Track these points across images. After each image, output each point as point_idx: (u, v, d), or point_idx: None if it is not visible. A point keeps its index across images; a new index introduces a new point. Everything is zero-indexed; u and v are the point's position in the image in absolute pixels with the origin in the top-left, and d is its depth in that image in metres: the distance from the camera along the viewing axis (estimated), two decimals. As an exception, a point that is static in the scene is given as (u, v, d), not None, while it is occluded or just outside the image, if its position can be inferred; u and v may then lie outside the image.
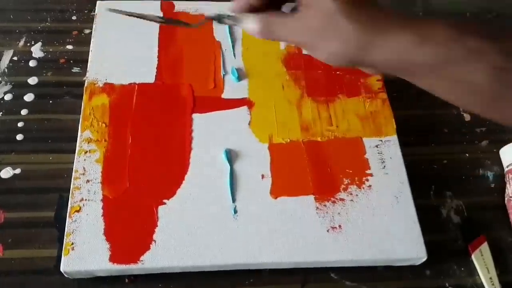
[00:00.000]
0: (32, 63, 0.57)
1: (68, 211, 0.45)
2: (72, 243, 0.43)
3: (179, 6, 0.60)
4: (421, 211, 0.48)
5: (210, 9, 0.59)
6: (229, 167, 0.48)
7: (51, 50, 0.58)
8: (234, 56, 0.56)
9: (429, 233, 0.47)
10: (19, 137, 0.52)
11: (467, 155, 0.55)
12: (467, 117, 0.58)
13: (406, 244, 0.46)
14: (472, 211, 0.51)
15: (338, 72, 0.56)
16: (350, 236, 0.46)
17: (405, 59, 0.35)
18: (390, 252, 0.45)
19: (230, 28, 0.58)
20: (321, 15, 0.36)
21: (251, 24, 0.40)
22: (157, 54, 0.55)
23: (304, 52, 0.57)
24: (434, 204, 0.52)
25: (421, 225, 0.47)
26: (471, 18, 0.67)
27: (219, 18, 0.42)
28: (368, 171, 0.50)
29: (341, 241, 0.46)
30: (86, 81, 0.52)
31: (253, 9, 0.40)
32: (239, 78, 0.55)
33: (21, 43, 0.58)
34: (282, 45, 0.57)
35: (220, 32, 0.58)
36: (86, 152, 0.48)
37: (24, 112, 0.53)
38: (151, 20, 0.46)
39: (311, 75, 0.56)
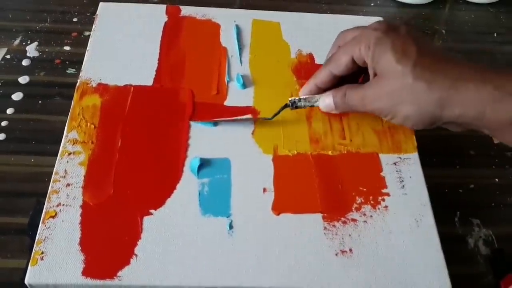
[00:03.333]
0: (25, 62, 0.54)
1: (42, 216, 0.40)
2: (42, 252, 0.38)
3: (185, 11, 0.56)
4: (444, 240, 0.42)
5: (218, 15, 0.56)
6: (229, 177, 0.43)
7: (47, 50, 0.55)
8: (241, 62, 0.52)
9: (453, 265, 0.40)
10: (1, 136, 0.48)
11: (497, 180, 0.50)
12: (495, 139, 0.52)
13: (427, 276, 0.39)
14: (504, 243, 0.45)
15: (353, 84, 0.51)
16: (362, 262, 0.40)
17: (485, 116, 0.35)
18: (408, 284, 0.39)
19: (239, 34, 0.54)
20: (396, 82, 0.38)
21: (327, 101, 0.43)
22: (158, 57, 0.51)
23: (316, 61, 0.53)
24: (460, 232, 0.46)
25: (444, 255, 0.41)
26: None
27: (293, 104, 0.45)
28: (384, 190, 0.44)
29: (351, 267, 0.39)
30: (79, 80, 0.49)
31: (321, 91, 0.44)
32: (245, 85, 0.50)
33: (17, 42, 0.56)
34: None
35: (227, 38, 0.54)
36: (69, 154, 0.43)
37: (10, 111, 0.50)
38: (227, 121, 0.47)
39: (323, 86, 0.51)
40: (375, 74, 0.40)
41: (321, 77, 0.44)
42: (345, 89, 0.42)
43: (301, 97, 0.45)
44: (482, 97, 0.35)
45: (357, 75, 0.44)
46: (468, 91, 0.36)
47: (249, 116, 0.48)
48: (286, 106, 0.45)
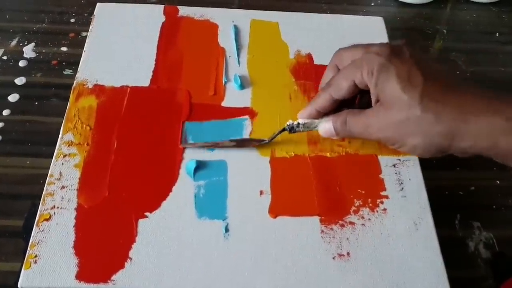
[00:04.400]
0: (22, 63, 0.54)
1: (37, 219, 0.39)
2: (36, 255, 0.37)
3: (183, 11, 0.56)
4: (444, 243, 0.41)
5: (216, 15, 0.55)
6: (226, 180, 0.43)
7: (44, 51, 0.55)
8: (239, 63, 0.52)
9: (453, 268, 0.40)
10: (-3, 138, 0.47)
11: (498, 182, 0.49)
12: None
13: (426, 280, 0.39)
14: (505, 246, 0.45)
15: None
16: (360, 266, 0.39)
17: (497, 147, 0.35)
18: (406, 288, 0.38)
19: (237, 34, 0.54)
20: (403, 112, 0.36)
21: (327, 127, 0.42)
22: (155, 58, 0.51)
23: (315, 62, 0.52)
24: (460, 235, 0.45)
25: (444, 259, 0.40)
26: None
27: (291, 129, 0.43)
28: (383, 193, 0.43)
29: (348, 271, 0.39)
30: (75, 81, 0.48)
31: (321, 115, 0.43)
32: (242, 86, 0.50)
33: (14, 42, 0.55)
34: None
35: (225, 38, 0.54)
36: (65, 156, 0.43)
37: (6, 112, 0.49)
38: (224, 146, 0.45)
39: (322, 87, 0.50)
40: (377, 100, 0.39)
41: (320, 102, 0.42)
42: (346, 115, 0.41)
43: (300, 121, 0.43)
44: (494, 129, 0.34)
45: (355, 96, 0.43)
46: (478, 124, 0.35)
47: (246, 117, 0.47)
48: (283, 130, 0.44)
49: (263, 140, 0.45)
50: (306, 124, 0.43)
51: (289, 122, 0.43)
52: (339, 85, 0.41)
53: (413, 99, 0.36)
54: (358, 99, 0.44)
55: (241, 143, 0.45)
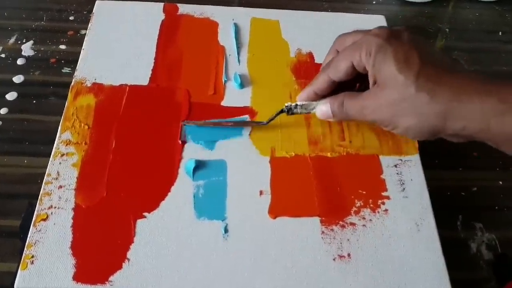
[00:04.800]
0: (20, 61, 0.53)
1: (34, 219, 0.39)
2: (33, 256, 0.37)
3: (183, 9, 0.55)
4: (446, 244, 0.40)
5: (216, 13, 0.55)
6: (225, 179, 0.42)
7: (42, 49, 0.54)
8: (238, 62, 0.51)
9: (455, 270, 0.39)
10: (-6, 137, 0.47)
11: (501, 182, 0.48)
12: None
13: (427, 281, 0.38)
14: (507, 247, 0.44)
15: (353, 84, 0.50)
16: (361, 268, 0.39)
17: (489, 128, 0.34)
18: (408, 290, 0.38)
19: (237, 32, 0.53)
20: (397, 92, 0.36)
21: (324, 109, 0.41)
22: (154, 56, 0.50)
23: (316, 61, 0.52)
24: (462, 236, 0.45)
25: (445, 260, 0.39)
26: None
27: (289, 110, 0.43)
28: (384, 193, 0.43)
29: (349, 272, 0.38)
30: (73, 79, 0.48)
31: (319, 97, 0.42)
32: (242, 85, 0.49)
33: (12, 40, 0.55)
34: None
35: (225, 36, 0.53)
36: (62, 155, 0.42)
37: (3, 111, 0.49)
38: (223, 126, 0.46)
39: (323, 86, 0.50)
40: (375, 82, 0.38)
41: (319, 83, 0.42)
42: (343, 97, 0.40)
43: (298, 103, 0.43)
44: (487, 110, 0.34)
45: (355, 81, 0.42)
46: (472, 104, 0.34)
47: (246, 116, 0.47)
48: (281, 111, 0.43)
49: (261, 122, 0.45)
50: (304, 106, 0.43)
51: (287, 103, 0.43)
52: (338, 66, 0.40)
53: (408, 79, 0.36)
54: (358, 86, 0.43)
55: (240, 124, 0.46)
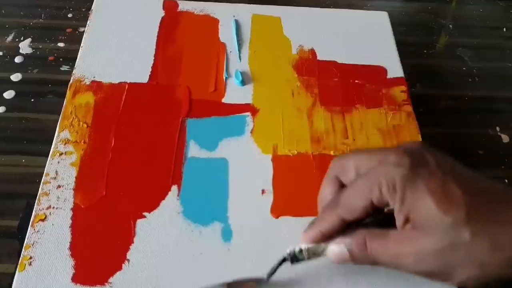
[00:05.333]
0: (18, 59, 0.52)
1: (32, 219, 0.38)
2: (31, 257, 0.36)
3: (183, 6, 0.54)
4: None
5: (217, 9, 0.54)
6: (227, 178, 0.41)
7: (40, 47, 0.54)
8: (240, 59, 0.50)
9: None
10: (-9, 135, 0.46)
11: (506, 181, 0.48)
12: (505, 138, 0.50)
13: (433, 284, 0.37)
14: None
15: (356, 81, 0.49)
16: (364, 270, 0.37)
17: None
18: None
19: (238, 29, 0.53)
20: (446, 238, 0.29)
21: (337, 250, 0.33)
22: (154, 53, 0.50)
23: (318, 58, 0.51)
24: (468, 236, 0.43)
25: (451, 260, 0.39)
26: None
27: (293, 258, 0.35)
28: (388, 192, 0.42)
29: (352, 274, 0.37)
30: (72, 77, 0.47)
31: (328, 239, 0.34)
32: (244, 82, 0.48)
33: (9, 38, 0.54)
34: None
35: (226, 33, 0.52)
36: (61, 154, 0.42)
37: (1, 109, 0.48)
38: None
39: (325, 83, 0.49)
40: (406, 221, 0.32)
41: (328, 225, 0.34)
42: (364, 236, 0.33)
43: (302, 247, 0.35)
44: None
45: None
46: None
47: (247, 113, 0.46)
48: (284, 260, 0.35)
49: (261, 279, 0.36)
50: (311, 250, 0.35)
51: (290, 249, 0.35)
52: (352, 205, 0.33)
53: (458, 220, 0.29)
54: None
55: (235, 285, 0.37)
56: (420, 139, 0.45)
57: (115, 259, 0.37)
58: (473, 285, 0.31)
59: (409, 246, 0.31)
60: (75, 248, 0.37)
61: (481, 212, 0.29)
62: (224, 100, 0.47)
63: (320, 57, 0.51)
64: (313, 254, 0.35)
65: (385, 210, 0.33)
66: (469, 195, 0.30)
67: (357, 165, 0.35)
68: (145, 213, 0.39)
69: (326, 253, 0.34)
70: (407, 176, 0.31)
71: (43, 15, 0.57)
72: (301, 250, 0.35)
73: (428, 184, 0.30)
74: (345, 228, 0.34)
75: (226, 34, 0.52)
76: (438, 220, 0.29)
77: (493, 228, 0.29)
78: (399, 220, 0.32)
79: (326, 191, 0.37)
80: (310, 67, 0.50)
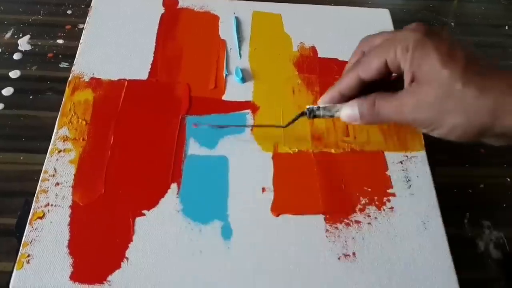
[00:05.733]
0: (16, 56, 0.52)
1: (30, 217, 0.38)
2: (29, 255, 0.36)
3: (183, 3, 0.54)
4: (453, 243, 0.39)
5: (217, 6, 0.54)
6: (227, 176, 0.41)
7: (39, 43, 0.53)
8: (240, 56, 0.50)
9: (463, 269, 0.38)
10: (-10, 133, 0.46)
11: (508, 179, 0.47)
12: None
13: (435, 281, 0.37)
14: (516, 246, 0.43)
15: (357, 79, 0.49)
16: (366, 267, 0.38)
17: None
18: (415, 289, 0.37)
19: (238, 26, 0.52)
20: (442, 88, 0.33)
21: (349, 110, 0.37)
22: (153, 50, 0.49)
23: (319, 55, 0.51)
24: (469, 235, 0.44)
25: (452, 259, 0.38)
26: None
27: (310, 113, 0.39)
28: (390, 191, 0.42)
29: (354, 272, 0.37)
30: (71, 74, 0.46)
31: (344, 99, 0.38)
32: (244, 79, 0.48)
33: (8, 35, 0.53)
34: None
35: (226, 30, 0.52)
36: (59, 151, 0.41)
37: (-1, 106, 0.48)
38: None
39: (326, 80, 0.49)
40: (412, 80, 0.35)
41: (346, 83, 0.38)
42: (374, 97, 0.36)
43: (320, 105, 0.39)
44: None
45: (382, 86, 0.38)
46: None
47: (247, 111, 0.45)
48: (302, 114, 0.39)
49: (280, 126, 0.44)
50: (327, 108, 0.38)
51: (309, 106, 0.39)
52: (369, 63, 0.36)
53: (454, 73, 0.33)
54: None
55: (256, 126, 0.44)
56: (422, 137, 0.45)
57: (114, 257, 0.36)
58: (458, 134, 0.34)
59: (410, 97, 0.35)
60: (73, 246, 0.37)
61: (475, 71, 0.33)
62: (224, 98, 0.46)
63: (321, 54, 0.51)
64: (328, 111, 0.38)
65: (393, 75, 0.37)
66: (470, 58, 0.33)
67: (383, 38, 0.38)
68: (144, 211, 0.39)
69: (340, 113, 0.38)
70: (420, 39, 0.34)
71: (42, 12, 0.56)
72: (318, 108, 0.39)
73: (437, 45, 0.34)
74: (359, 95, 0.37)
75: (227, 31, 0.52)
76: (437, 73, 0.33)
77: (482, 81, 0.32)
78: (406, 80, 0.35)
79: (351, 61, 0.41)
80: (311, 64, 0.50)
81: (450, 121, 0.33)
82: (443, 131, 0.34)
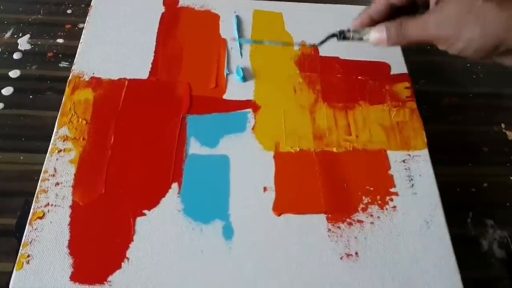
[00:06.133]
0: (16, 56, 0.52)
1: (30, 217, 0.38)
2: (28, 255, 0.36)
3: (183, 1, 0.54)
4: (457, 242, 0.39)
5: (218, 5, 0.53)
6: (228, 175, 0.41)
7: (39, 43, 0.53)
8: (241, 55, 0.50)
9: (466, 268, 0.38)
10: (-11, 133, 0.46)
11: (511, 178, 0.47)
12: (510, 135, 0.50)
13: (438, 280, 0.37)
14: (520, 245, 0.42)
15: (359, 77, 0.49)
16: (369, 267, 0.37)
17: None
18: (418, 289, 0.37)
19: (239, 25, 0.52)
20: (464, 4, 0.35)
21: (378, 33, 0.39)
22: (154, 49, 0.49)
23: (320, 54, 0.50)
24: (472, 234, 0.44)
25: (456, 259, 0.38)
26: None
27: (340, 34, 0.41)
28: (392, 190, 0.41)
29: (357, 272, 0.37)
30: (71, 74, 0.46)
31: (374, 23, 0.40)
32: (245, 78, 0.48)
33: (8, 34, 0.53)
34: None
35: (227, 29, 0.52)
36: (59, 151, 0.41)
37: (-1, 106, 0.48)
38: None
39: (328, 79, 0.48)
40: (437, 2, 0.37)
41: (376, 7, 0.40)
42: (401, 19, 0.38)
43: (351, 28, 0.41)
44: None
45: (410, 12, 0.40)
46: None
47: (248, 110, 0.45)
48: (333, 35, 0.41)
49: (313, 45, 0.44)
50: (357, 31, 0.41)
51: (339, 28, 0.41)
52: None
53: None
54: None
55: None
56: (424, 136, 0.44)
57: (115, 257, 0.36)
58: (474, 47, 0.35)
59: (434, 15, 0.37)
60: (74, 246, 0.36)
61: None
62: (225, 97, 0.46)
63: (322, 53, 0.51)
64: (358, 34, 0.41)
65: None
66: None
67: None
68: (145, 211, 0.38)
69: (369, 35, 0.40)
70: None
71: (42, 11, 0.56)
72: (349, 30, 0.41)
73: None
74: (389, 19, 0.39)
75: (227, 30, 0.52)
76: None
77: None
78: (432, 2, 0.38)
79: None
80: (312, 63, 0.50)
81: (467, 35, 0.35)
82: (460, 45, 0.36)
